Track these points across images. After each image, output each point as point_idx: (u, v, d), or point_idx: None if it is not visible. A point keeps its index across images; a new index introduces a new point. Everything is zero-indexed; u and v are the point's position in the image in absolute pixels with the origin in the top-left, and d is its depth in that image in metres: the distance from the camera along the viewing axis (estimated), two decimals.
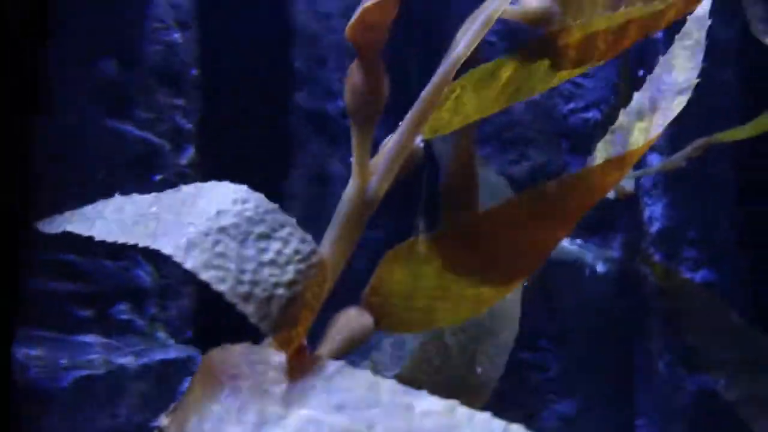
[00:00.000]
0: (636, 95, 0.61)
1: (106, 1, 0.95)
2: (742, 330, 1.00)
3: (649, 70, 0.57)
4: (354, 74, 0.46)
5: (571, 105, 1.24)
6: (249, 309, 0.38)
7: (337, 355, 0.43)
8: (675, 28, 0.61)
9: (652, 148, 1.16)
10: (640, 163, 1.19)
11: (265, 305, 0.38)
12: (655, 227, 1.17)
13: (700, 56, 0.57)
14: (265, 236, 0.40)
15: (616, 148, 0.60)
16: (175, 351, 0.92)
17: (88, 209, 0.49)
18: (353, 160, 0.46)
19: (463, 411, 0.34)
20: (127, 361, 0.87)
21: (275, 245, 0.40)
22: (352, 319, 0.44)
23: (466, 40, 0.47)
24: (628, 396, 1.15)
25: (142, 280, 0.99)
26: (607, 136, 0.62)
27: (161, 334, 0.96)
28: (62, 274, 0.95)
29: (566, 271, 1.17)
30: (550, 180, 0.54)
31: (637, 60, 1.18)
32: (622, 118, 0.61)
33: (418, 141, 0.49)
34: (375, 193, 0.47)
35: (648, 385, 1.16)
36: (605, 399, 1.15)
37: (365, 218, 0.47)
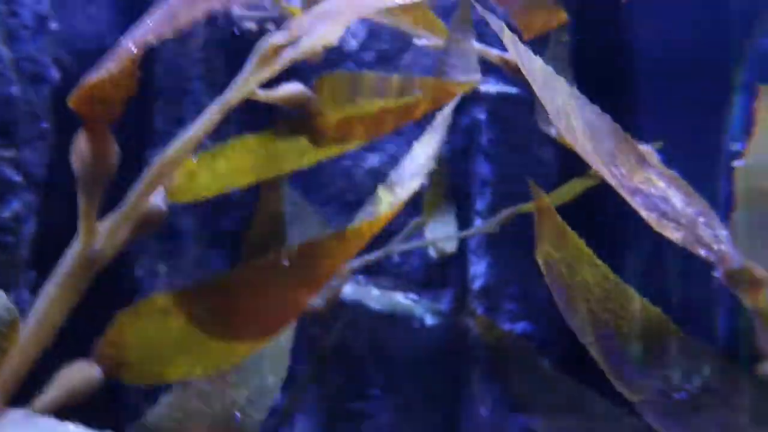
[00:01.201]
0: (391, 173, 0.69)
1: None
2: (552, 376, 1.11)
3: None
4: (80, 144, 0.50)
5: None
6: None
7: (56, 407, 0.47)
8: None
9: (477, 213, 1.27)
10: (468, 224, 1.30)
11: None
12: (478, 283, 1.27)
13: (438, 148, 0.65)
14: None
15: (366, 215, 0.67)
16: None
17: None
18: (80, 222, 0.50)
19: None
20: None
21: None
22: (75, 372, 0.48)
23: (201, 120, 0.53)
24: None
25: None
26: (365, 207, 0.69)
27: None
28: None
29: (397, 324, 1.24)
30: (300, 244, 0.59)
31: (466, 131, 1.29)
32: (379, 193, 0.69)
33: (159, 202, 0.54)
34: (101, 254, 0.51)
35: (473, 427, 1.24)
36: None
37: (89, 276, 0.51)
